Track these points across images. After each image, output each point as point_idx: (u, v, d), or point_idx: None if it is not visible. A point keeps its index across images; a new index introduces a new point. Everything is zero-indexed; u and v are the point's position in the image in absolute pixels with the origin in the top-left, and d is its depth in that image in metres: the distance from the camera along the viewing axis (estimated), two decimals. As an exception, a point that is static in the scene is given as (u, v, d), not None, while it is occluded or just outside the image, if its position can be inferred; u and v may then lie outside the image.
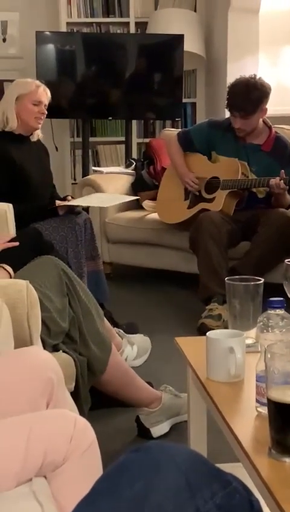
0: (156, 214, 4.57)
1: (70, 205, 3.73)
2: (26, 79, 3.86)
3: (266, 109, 4.01)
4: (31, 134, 3.79)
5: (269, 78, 4.21)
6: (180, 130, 4.67)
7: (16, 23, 5.90)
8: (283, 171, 3.87)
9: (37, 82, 3.76)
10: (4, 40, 5.91)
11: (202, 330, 3.53)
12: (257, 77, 4.01)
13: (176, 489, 0.86)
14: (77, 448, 1.45)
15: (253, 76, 4.01)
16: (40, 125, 3.75)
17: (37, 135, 3.83)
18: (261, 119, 4.07)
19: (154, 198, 4.67)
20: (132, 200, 4.45)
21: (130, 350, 3.21)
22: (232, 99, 3.98)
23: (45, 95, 3.73)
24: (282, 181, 3.84)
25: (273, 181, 3.86)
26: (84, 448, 1.47)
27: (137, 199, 4.58)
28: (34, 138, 3.81)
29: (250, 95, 3.91)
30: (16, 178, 3.61)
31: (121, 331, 3.26)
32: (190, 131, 4.38)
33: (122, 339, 3.20)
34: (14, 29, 5.91)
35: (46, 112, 3.75)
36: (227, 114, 4.31)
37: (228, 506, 0.87)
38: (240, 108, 3.94)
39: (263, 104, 3.97)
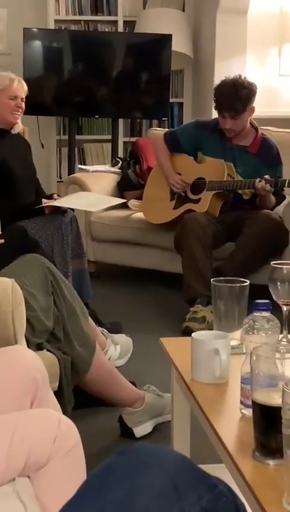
0: (142, 213, 4.56)
1: (56, 206, 3.71)
2: (1, 73, 3.81)
3: (254, 108, 4.03)
4: (12, 128, 3.77)
5: (256, 79, 4.22)
6: (167, 129, 4.67)
7: (3, 19, 5.88)
8: (267, 176, 3.88)
9: (12, 75, 3.73)
10: (-9, 36, 5.89)
11: (186, 333, 3.53)
12: (243, 77, 4.03)
13: (162, 493, 0.86)
14: (60, 448, 1.45)
15: (239, 76, 4.03)
16: (18, 120, 3.74)
17: (18, 127, 3.80)
18: (248, 120, 4.08)
19: (140, 198, 4.67)
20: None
21: (113, 350, 3.20)
22: (221, 99, 3.98)
23: (21, 88, 3.70)
24: (268, 184, 3.86)
25: (259, 183, 3.87)
26: (68, 448, 1.46)
27: (124, 201, 4.57)
28: (15, 131, 3.79)
29: (239, 93, 3.93)
30: (0, 173, 3.59)
31: (105, 330, 3.26)
32: (176, 131, 4.38)
33: (106, 338, 3.19)
34: (2, 25, 5.89)
35: (24, 106, 3.72)
36: (214, 114, 4.31)
37: (214, 510, 0.87)
38: (230, 107, 3.94)
39: (251, 102, 3.99)
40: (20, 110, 3.70)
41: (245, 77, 4.04)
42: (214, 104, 4.07)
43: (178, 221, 4.03)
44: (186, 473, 0.89)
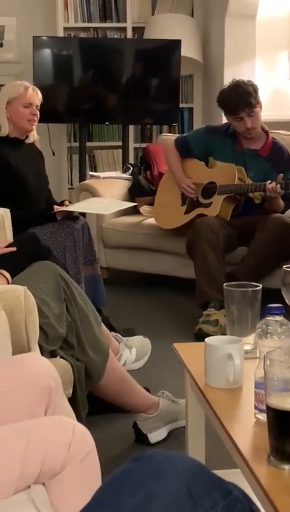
0: (153, 219, 4.57)
1: (68, 211, 3.72)
2: (15, 82, 3.83)
3: (261, 103, 4.04)
4: (26, 137, 3.78)
5: (266, 83, 4.24)
6: (177, 135, 4.67)
7: (13, 28, 5.91)
8: (281, 174, 3.87)
9: (26, 83, 3.74)
10: (1, 45, 5.91)
11: (199, 336, 3.53)
12: (237, 78, 4.07)
13: (177, 499, 0.86)
14: (75, 455, 1.45)
15: (235, 80, 4.06)
16: (34, 127, 3.74)
17: (33, 136, 3.81)
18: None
19: (151, 204, 4.67)
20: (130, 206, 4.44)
21: (128, 354, 3.20)
22: (232, 102, 3.98)
23: (35, 95, 3.71)
24: (278, 185, 3.85)
25: (269, 185, 3.86)
26: (82, 455, 1.46)
27: (135, 206, 4.58)
28: (29, 140, 3.80)
29: (246, 89, 3.96)
30: (12, 182, 3.60)
31: (118, 335, 3.25)
32: (187, 137, 4.38)
33: (119, 343, 3.19)
34: (11, 34, 5.92)
35: (38, 113, 3.72)
36: (224, 119, 4.31)
37: (230, 516, 0.87)
38: (245, 104, 3.94)
39: (258, 95, 4.01)
40: (36, 118, 3.71)
41: (239, 79, 4.09)
42: (223, 112, 4.06)
43: (190, 226, 4.03)
44: (201, 479, 0.89)
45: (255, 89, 4.00)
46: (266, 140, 4.14)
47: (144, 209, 4.75)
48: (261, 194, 4.02)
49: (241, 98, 3.94)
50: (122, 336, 3.29)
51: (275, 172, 4.00)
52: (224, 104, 4.05)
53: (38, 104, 3.72)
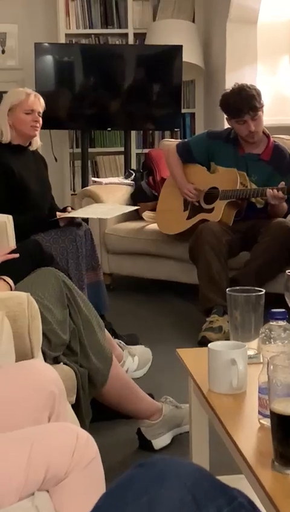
0: (156, 224, 4.57)
1: (71, 217, 3.72)
2: (18, 89, 3.82)
3: (263, 106, 4.05)
4: (30, 144, 3.78)
5: (268, 88, 4.25)
6: (179, 140, 4.68)
7: (14, 35, 5.92)
8: (283, 182, 3.87)
9: (28, 90, 3.73)
10: (3, 51, 5.93)
11: (203, 344, 3.52)
12: (240, 83, 4.07)
13: (181, 505, 0.86)
14: (79, 461, 1.44)
15: (238, 84, 4.06)
16: (36, 133, 3.73)
17: (36, 143, 3.81)
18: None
19: (153, 209, 4.68)
20: (132, 211, 4.45)
21: (130, 361, 3.20)
22: (236, 104, 3.97)
23: (37, 102, 3.69)
24: (280, 191, 3.84)
25: (270, 191, 3.86)
26: (86, 462, 1.46)
27: (137, 209, 4.58)
28: (33, 147, 3.80)
29: (250, 92, 3.96)
30: (15, 189, 3.60)
31: (122, 342, 3.25)
32: (189, 142, 4.38)
33: (123, 350, 3.19)
34: (13, 41, 5.93)
35: (41, 119, 3.71)
36: (226, 124, 4.32)
37: (234, 522, 0.87)
38: (249, 107, 3.94)
39: (262, 99, 4.01)
40: (38, 124, 3.70)
41: (243, 83, 4.09)
42: (226, 115, 4.07)
43: (192, 232, 4.03)
44: (205, 485, 0.89)
45: (258, 93, 4.01)
46: (267, 144, 4.15)
47: (146, 214, 4.75)
48: (265, 198, 4.02)
49: (245, 101, 3.94)
50: (126, 343, 3.29)
51: (277, 175, 4.01)
52: (227, 107, 4.04)
53: (41, 111, 3.71)
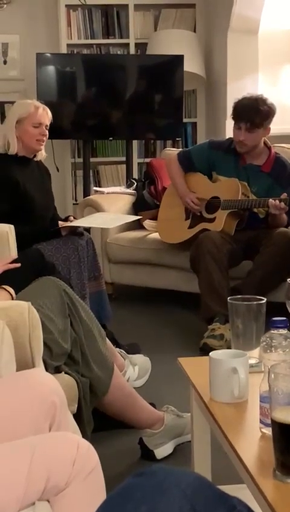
0: (157, 233, 4.57)
1: (73, 226, 3.72)
2: (26, 100, 3.82)
3: (269, 129, 4.03)
4: (35, 155, 3.78)
5: (269, 98, 4.22)
6: (180, 149, 4.68)
7: (16, 45, 5.94)
8: (285, 193, 3.87)
9: (36, 103, 3.72)
10: (5, 62, 5.95)
11: (204, 350, 3.52)
12: (264, 97, 4.04)
13: (180, 514, 0.85)
14: (80, 471, 1.44)
15: (261, 95, 4.05)
16: (42, 147, 3.73)
17: (41, 155, 3.81)
18: (262, 140, 4.08)
19: (155, 218, 4.67)
20: (133, 220, 4.45)
21: (131, 371, 3.19)
22: (240, 109, 3.98)
23: (45, 115, 3.70)
24: (282, 202, 3.85)
25: (272, 202, 3.86)
26: (87, 472, 1.45)
27: (138, 219, 4.58)
28: (37, 158, 3.80)
29: (260, 107, 3.95)
30: (19, 200, 3.60)
31: (123, 351, 3.25)
32: (190, 151, 4.39)
33: (124, 359, 3.18)
34: (15, 51, 5.95)
35: (48, 133, 3.72)
36: (227, 134, 4.32)
37: (234, 531, 0.86)
38: (248, 119, 3.94)
39: (269, 120, 4.00)
40: (45, 138, 3.70)
41: (267, 98, 4.05)
42: (231, 115, 4.05)
43: (193, 241, 4.03)
44: (205, 494, 0.88)
45: (270, 113, 3.97)
46: (269, 155, 4.14)
47: (148, 223, 4.75)
48: (266, 209, 4.02)
49: (250, 111, 3.94)
50: (127, 352, 3.28)
51: (277, 187, 4.01)
52: (234, 107, 4.04)
53: (48, 124, 3.70)
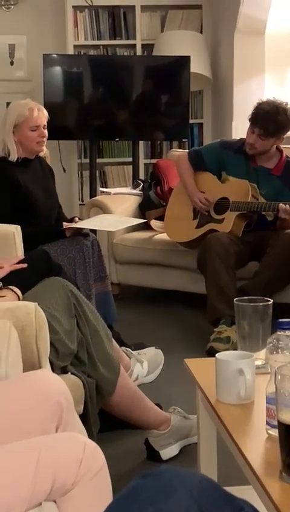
0: (164, 234, 4.56)
1: (77, 227, 3.72)
2: (19, 102, 3.73)
3: (283, 139, 4.00)
4: (36, 156, 3.77)
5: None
6: (190, 149, 4.66)
7: (23, 46, 5.95)
8: None
9: (31, 104, 3.66)
10: (12, 63, 5.96)
11: (210, 354, 3.51)
12: (289, 105, 3.97)
13: (187, 515, 0.85)
14: (86, 472, 1.44)
15: (286, 102, 3.97)
16: (43, 148, 3.72)
17: (42, 151, 3.79)
18: (274, 146, 4.06)
19: (161, 217, 4.67)
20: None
21: (140, 368, 3.18)
22: (258, 114, 3.94)
23: (42, 116, 3.65)
24: (291, 207, 3.84)
25: (282, 206, 3.85)
26: (94, 472, 1.45)
27: (145, 221, 4.58)
28: (39, 154, 3.79)
29: (278, 116, 3.89)
30: (22, 201, 3.60)
31: (129, 349, 3.24)
32: (201, 150, 4.37)
33: (130, 358, 3.18)
34: (22, 52, 5.96)
35: (47, 133, 3.68)
36: (234, 135, 4.31)
37: (240, 532, 0.86)
38: (262, 126, 3.92)
39: (284, 132, 3.97)
40: (44, 139, 3.69)
41: None
42: (249, 116, 4.02)
43: (201, 241, 4.03)
44: (211, 495, 0.88)
45: (284, 124, 3.92)
46: (280, 159, 4.13)
47: (154, 223, 4.75)
48: (275, 212, 4.00)
49: (266, 118, 3.89)
50: (133, 350, 3.28)
51: (287, 190, 4.00)
52: (256, 109, 3.98)
53: (46, 123, 3.67)
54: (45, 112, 3.68)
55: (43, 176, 3.83)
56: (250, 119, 4.00)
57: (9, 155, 3.62)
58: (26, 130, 3.62)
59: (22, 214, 3.57)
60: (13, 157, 3.62)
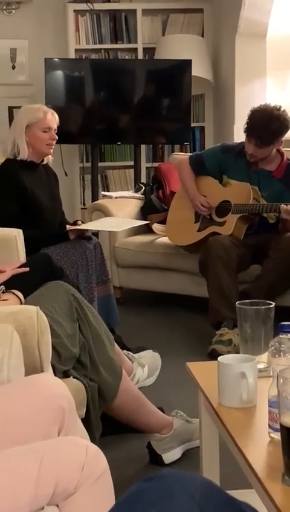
0: (166, 238, 4.56)
1: (81, 229, 3.74)
2: (33, 105, 3.86)
3: (282, 141, 4.00)
4: (42, 160, 3.80)
5: (277, 102, 4.21)
6: (191, 153, 4.67)
7: (24, 50, 5.96)
8: None
9: (44, 108, 3.77)
10: (13, 67, 5.97)
11: (212, 356, 3.51)
12: (282, 109, 3.94)
13: (189, 519, 0.85)
14: (89, 476, 1.44)
15: (278, 107, 3.95)
16: (52, 151, 3.77)
17: (48, 158, 3.83)
18: (274, 150, 4.06)
19: (163, 221, 4.67)
20: (142, 224, 4.45)
21: (140, 372, 3.19)
22: (251, 125, 3.94)
23: (54, 119, 3.74)
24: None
25: (284, 207, 3.85)
26: (96, 476, 1.45)
27: (147, 223, 4.58)
28: (44, 161, 3.83)
29: (271, 125, 3.88)
30: (27, 205, 3.62)
31: (131, 353, 3.24)
32: (202, 154, 4.38)
33: (132, 362, 3.18)
34: (23, 56, 5.97)
35: (56, 137, 3.75)
36: (235, 138, 4.32)
37: (242, 535, 0.86)
38: (257, 136, 3.91)
39: (281, 136, 3.96)
40: (54, 142, 3.74)
41: (284, 110, 3.95)
42: (244, 125, 4.03)
43: (202, 244, 4.03)
44: (213, 499, 0.88)
45: (282, 129, 3.91)
46: (281, 161, 4.13)
47: (156, 227, 4.76)
48: (277, 214, 4.00)
49: (260, 129, 3.89)
50: (134, 353, 3.28)
51: (288, 193, 4.00)
52: (249, 119, 3.98)
53: (56, 128, 3.75)
54: (57, 117, 3.77)
55: (48, 181, 3.85)
56: (244, 131, 4.00)
57: (18, 154, 3.65)
58: (38, 131, 3.68)
59: (27, 217, 3.59)
60: (23, 155, 3.65)
